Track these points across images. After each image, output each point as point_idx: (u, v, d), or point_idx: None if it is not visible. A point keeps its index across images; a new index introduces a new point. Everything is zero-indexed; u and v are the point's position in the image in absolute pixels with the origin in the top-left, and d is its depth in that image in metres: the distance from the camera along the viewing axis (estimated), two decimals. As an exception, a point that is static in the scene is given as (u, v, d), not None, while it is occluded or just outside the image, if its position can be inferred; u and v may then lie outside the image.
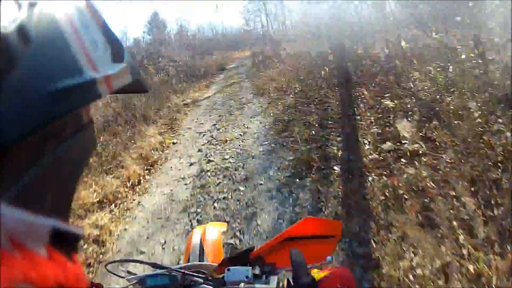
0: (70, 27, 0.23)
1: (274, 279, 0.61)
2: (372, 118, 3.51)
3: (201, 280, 0.61)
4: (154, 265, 0.65)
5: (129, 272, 0.66)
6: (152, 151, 4.00)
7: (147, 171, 3.56)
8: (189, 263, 0.71)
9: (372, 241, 1.88)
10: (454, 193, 2.04)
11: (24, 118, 0.18)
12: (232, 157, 3.50)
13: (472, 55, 3.72)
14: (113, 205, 2.88)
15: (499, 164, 2.15)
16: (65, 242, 0.21)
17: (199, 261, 0.81)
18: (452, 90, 3.46)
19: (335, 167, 2.77)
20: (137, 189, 3.17)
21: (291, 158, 3.14)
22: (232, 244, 2.07)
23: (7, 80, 0.18)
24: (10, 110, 0.18)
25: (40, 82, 0.20)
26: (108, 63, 0.26)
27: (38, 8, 0.21)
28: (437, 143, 2.64)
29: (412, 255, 1.69)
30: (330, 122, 3.77)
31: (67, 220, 0.26)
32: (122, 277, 0.65)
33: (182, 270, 0.62)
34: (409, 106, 3.45)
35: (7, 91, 0.18)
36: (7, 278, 0.15)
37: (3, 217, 0.16)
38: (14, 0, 0.20)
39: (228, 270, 0.60)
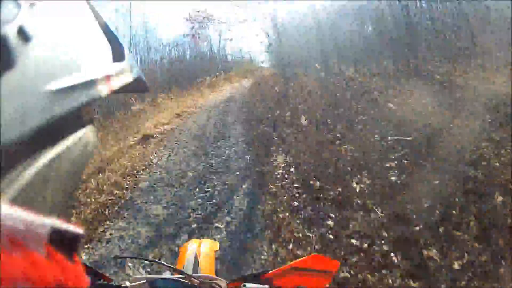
0: (70, 27, 0.23)
1: None
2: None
3: None
4: (172, 269, 0.67)
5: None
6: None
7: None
8: (202, 274, 0.75)
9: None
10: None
11: (24, 117, 0.18)
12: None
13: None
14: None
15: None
16: (65, 242, 0.21)
17: (193, 273, 0.86)
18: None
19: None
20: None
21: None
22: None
23: (7, 79, 0.18)
24: (10, 109, 0.18)
25: (40, 82, 0.20)
26: (109, 62, 0.26)
27: (38, 8, 0.21)
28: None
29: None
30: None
31: (67, 220, 0.26)
32: (130, 275, 0.67)
33: (201, 279, 0.66)
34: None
35: (7, 90, 0.18)
36: (7, 278, 0.15)
37: (3, 217, 0.16)
38: (14, 0, 0.20)
39: (245, 285, 0.66)
